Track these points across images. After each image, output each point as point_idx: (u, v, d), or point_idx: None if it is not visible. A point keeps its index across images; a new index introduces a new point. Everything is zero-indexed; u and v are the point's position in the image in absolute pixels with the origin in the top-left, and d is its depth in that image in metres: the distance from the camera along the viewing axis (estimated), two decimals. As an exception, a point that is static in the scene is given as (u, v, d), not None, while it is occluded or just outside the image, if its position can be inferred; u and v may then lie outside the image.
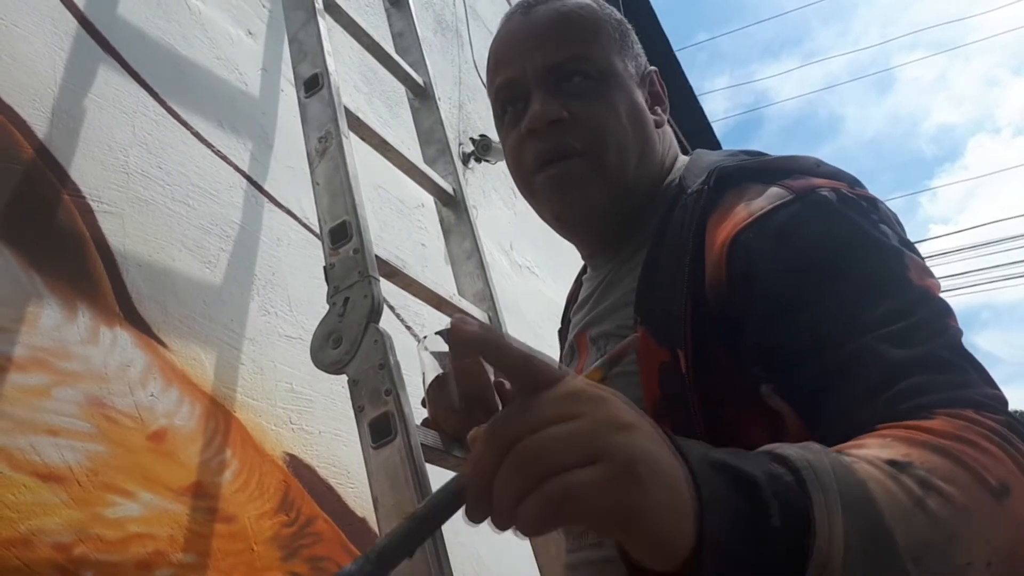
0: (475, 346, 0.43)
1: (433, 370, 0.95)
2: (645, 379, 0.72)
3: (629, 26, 0.89)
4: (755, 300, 0.66)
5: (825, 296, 0.63)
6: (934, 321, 0.61)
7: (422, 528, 0.44)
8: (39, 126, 1.16)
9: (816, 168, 0.75)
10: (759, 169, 0.75)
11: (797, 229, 0.67)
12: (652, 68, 0.90)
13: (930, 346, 0.58)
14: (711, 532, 0.41)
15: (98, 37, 1.31)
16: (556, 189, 0.83)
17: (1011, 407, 0.57)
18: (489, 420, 0.43)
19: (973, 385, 0.57)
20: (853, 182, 0.74)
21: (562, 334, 1.04)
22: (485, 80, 0.91)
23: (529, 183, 0.86)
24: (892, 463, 0.48)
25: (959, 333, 0.61)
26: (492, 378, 0.97)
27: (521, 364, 0.43)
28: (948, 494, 0.48)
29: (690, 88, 5.68)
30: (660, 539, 0.41)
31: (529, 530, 0.40)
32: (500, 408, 0.96)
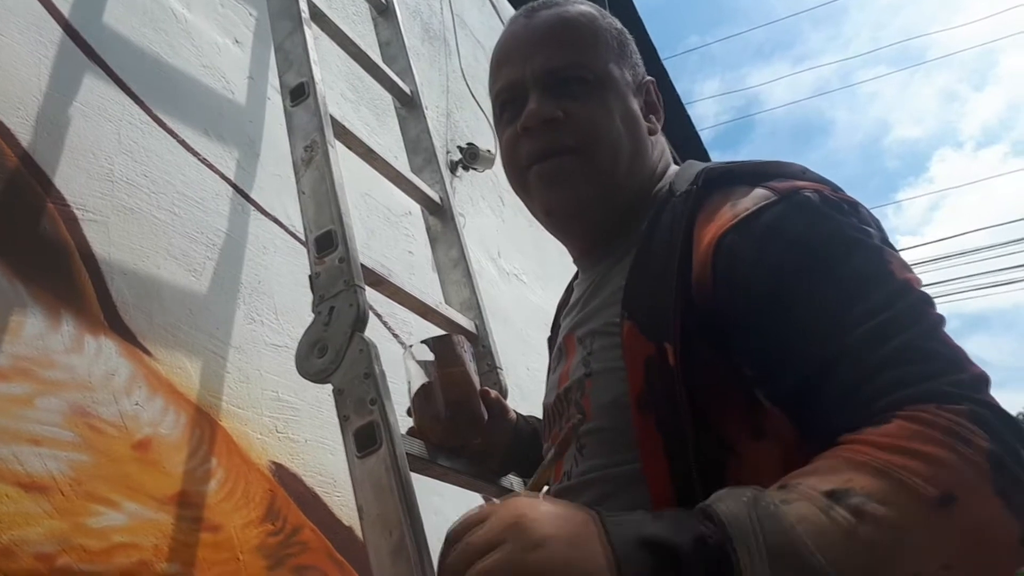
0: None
1: (419, 379, 0.95)
2: (630, 373, 0.73)
3: (629, 36, 0.92)
4: (740, 301, 0.67)
5: (808, 296, 0.65)
6: (915, 309, 0.62)
7: None
8: (23, 134, 1.15)
9: (801, 174, 0.76)
10: (745, 172, 0.77)
11: (781, 229, 0.69)
12: (649, 78, 0.92)
13: (906, 336, 0.60)
14: None
15: (83, 45, 1.31)
16: (547, 183, 0.85)
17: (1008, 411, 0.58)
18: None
19: (942, 374, 0.58)
20: (835, 188, 0.76)
21: (551, 340, 1.05)
22: (488, 79, 0.94)
23: (522, 178, 0.88)
24: (830, 495, 0.52)
25: (940, 321, 0.63)
26: (478, 387, 0.97)
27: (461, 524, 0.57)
28: (882, 518, 0.50)
29: (677, 97, 5.72)
30: None
31: None
32: (485, 416, 0.96)
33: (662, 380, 0.70)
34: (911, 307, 0.62)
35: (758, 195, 0.72)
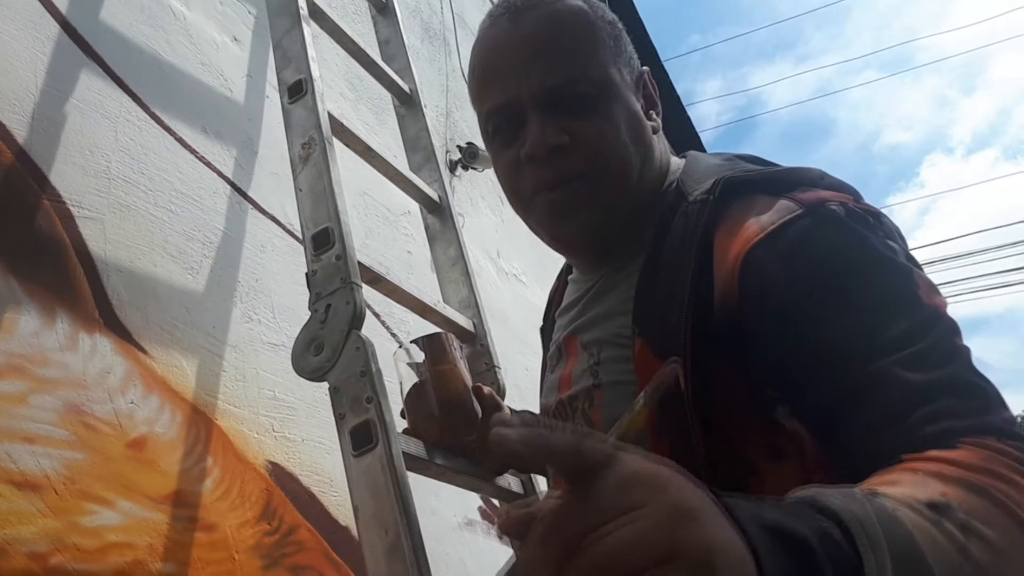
0: (522, 454, 0.40)
1: (410, 379, 0.94)
2: (641, 391, 0.71)
3: (621, 26, 0.86)
4: (768, 318, 0.65)
5: (839, 316, 0.63)
6: (947, 342, 0.61)
7: None
8: (19, 131, 1.15)
9: (820, 180, 0.74)
10: (765, 180, 0.74)
11: (809, 245, 0.67)
12: (644, 68, 0.87)
13: (947, 369, 0.58)
14: None
15: (80, 42, 1.30)
16: (555, 214, 0.81)
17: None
18: (539, 516, 0.40)
19: (991, 410, 0.56)
20: (856, 195, 0.74)
21: (544, 332, 1.03)
22: (469, 85, 0.88)
23: (527, 206, 0.83)
24: (932, 506, 0.48)
25: (969, 352, 0.61)
26: (470, 384, 0.96)
27: (572, 452, 0.39)
28: (988, 538, 0.47)
29: (678, 97, 5.71)
30: None
31: None
32: (479, 413, 0.95)
33: (673, 400, 0.68)
34: (945, 337, 0.61)
35: (783, 207, 0.69)
